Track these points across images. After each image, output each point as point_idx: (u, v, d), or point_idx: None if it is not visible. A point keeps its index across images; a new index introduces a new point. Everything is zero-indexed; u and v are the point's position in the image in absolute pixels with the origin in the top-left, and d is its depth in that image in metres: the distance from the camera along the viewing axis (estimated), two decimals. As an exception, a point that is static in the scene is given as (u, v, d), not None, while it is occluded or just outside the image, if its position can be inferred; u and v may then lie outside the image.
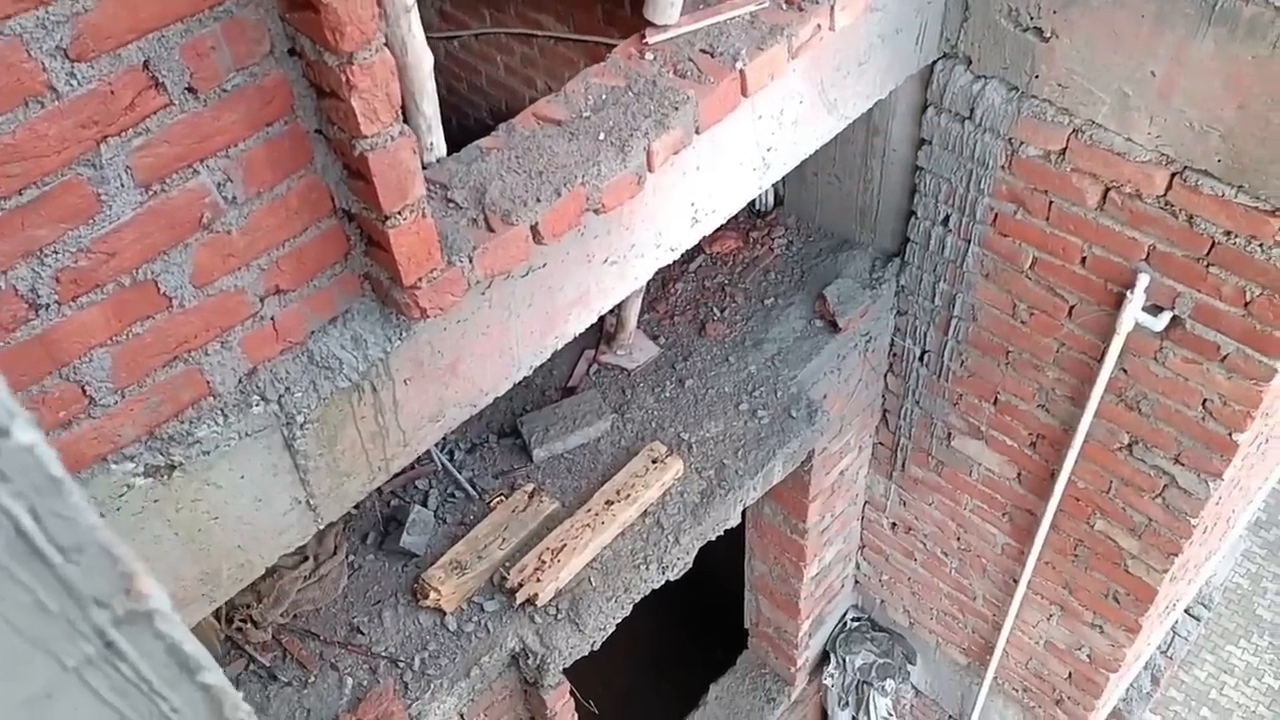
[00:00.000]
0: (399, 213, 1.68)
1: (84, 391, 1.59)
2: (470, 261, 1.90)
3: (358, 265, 1.84)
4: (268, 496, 1.93)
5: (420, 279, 1.81)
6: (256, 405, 1.80)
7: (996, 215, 3.12)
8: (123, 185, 1.48)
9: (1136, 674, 4.78)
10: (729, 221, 3.91)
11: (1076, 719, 4.26)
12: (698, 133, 2.19)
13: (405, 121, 1.64)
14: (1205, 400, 2.96)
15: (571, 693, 3.27)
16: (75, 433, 1.60)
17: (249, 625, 2.81)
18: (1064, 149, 2.82)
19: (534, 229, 1.97)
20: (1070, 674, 4.12)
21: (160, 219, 1.55)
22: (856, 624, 5.03)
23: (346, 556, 3.09)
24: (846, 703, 5.05)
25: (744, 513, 4.19)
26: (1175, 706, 12.50)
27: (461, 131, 2.37)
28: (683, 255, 3.90)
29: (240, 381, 1.78)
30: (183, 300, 1.63)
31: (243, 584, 2.02)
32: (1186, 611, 4.99)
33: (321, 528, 2.11)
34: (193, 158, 1.53)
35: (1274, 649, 12.69)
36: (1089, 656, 3.97)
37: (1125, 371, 3.11)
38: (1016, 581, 3.99)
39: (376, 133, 1.57)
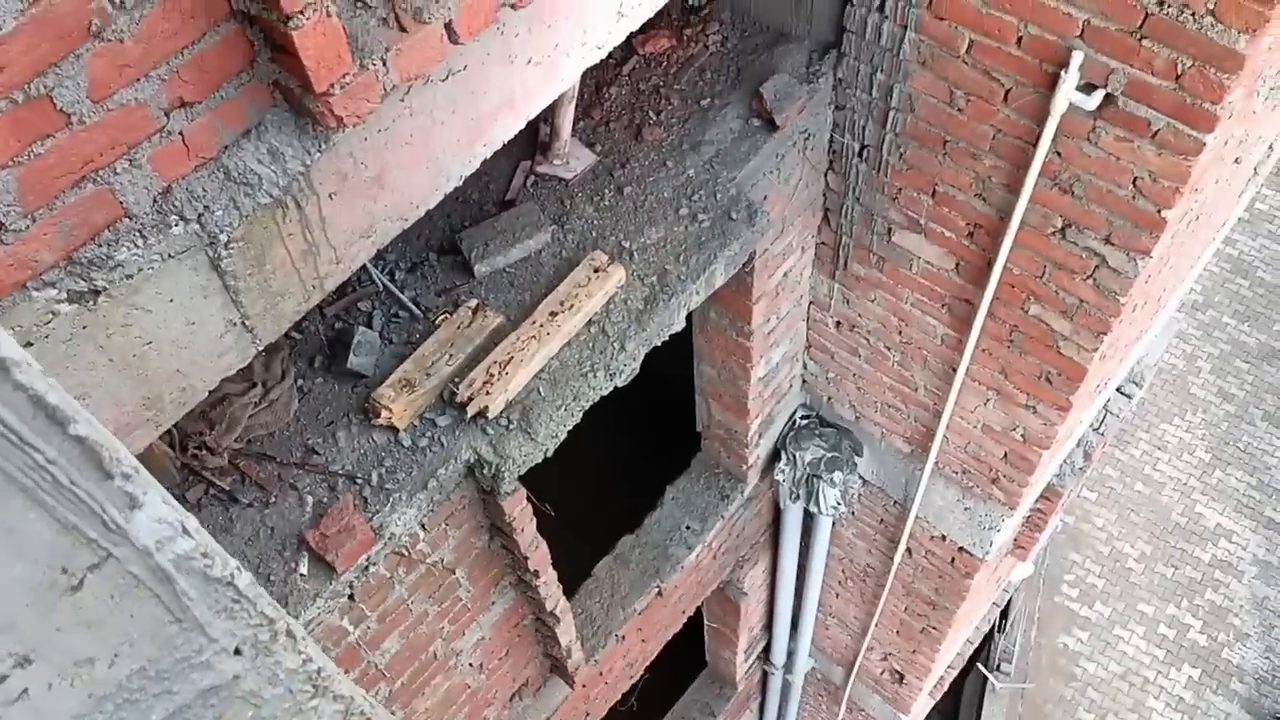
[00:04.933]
0: (300, 12, 1.60)
1: (-9, 217, 1.54)
2: (384, 64, 1.83)
3: (265, 73, 1.76)
4: (201, 319, 1.92)
5: (333, 85, 1.75)
6: (176, 225, 1.76)
7: (932, -2, 3.05)
8: (-2, -7, 1.39)
9: (1070, 451, 5.02)
10: (661, 19, 3.80)
11: (1011, 494, 4.50)
12: (615, -84, 2.08)
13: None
14: (1136, 179, 3.00)
15: (529, 499, 3.38)
16: (-12, 261, 1.56)
17: (204, 452, 2.85)
18: (999, -78, 2.73)
19: (448, 27, 1.89)
20: (1006, 454, 4.32)
21: (47, 28, 1.47)
22: (805, 421, 5.20)
23: (295, 381, 3.10)
24: (798, 496, 5.28)
25: (690, 318, 4.24)
26: (1111, 483, 13.24)
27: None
28: (615, 58, 3.81)
29: (156, 201, 1.73)
30: (82, 116, 1.56)
31: (186, 408, 2.03)
32: (1119, 390, 5.20)
33: (260, 349, 2.11)
34: (70, -42, 1.43)
35: (1206, 424, 13.37)
36: (1023, 436, 4.16)
37: (1059, 155, 3.12)
38: (955, 370, 4.12)
39: (265, -78, 1.47)
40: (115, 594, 0.44)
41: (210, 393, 2.79)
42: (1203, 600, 12.51)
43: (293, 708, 0.64)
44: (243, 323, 1.98)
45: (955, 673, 8.71)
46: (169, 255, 1.77)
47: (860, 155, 3.73)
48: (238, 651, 0.55)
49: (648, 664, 5.71)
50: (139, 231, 1.73)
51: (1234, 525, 12.80)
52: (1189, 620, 12.40)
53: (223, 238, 1.81)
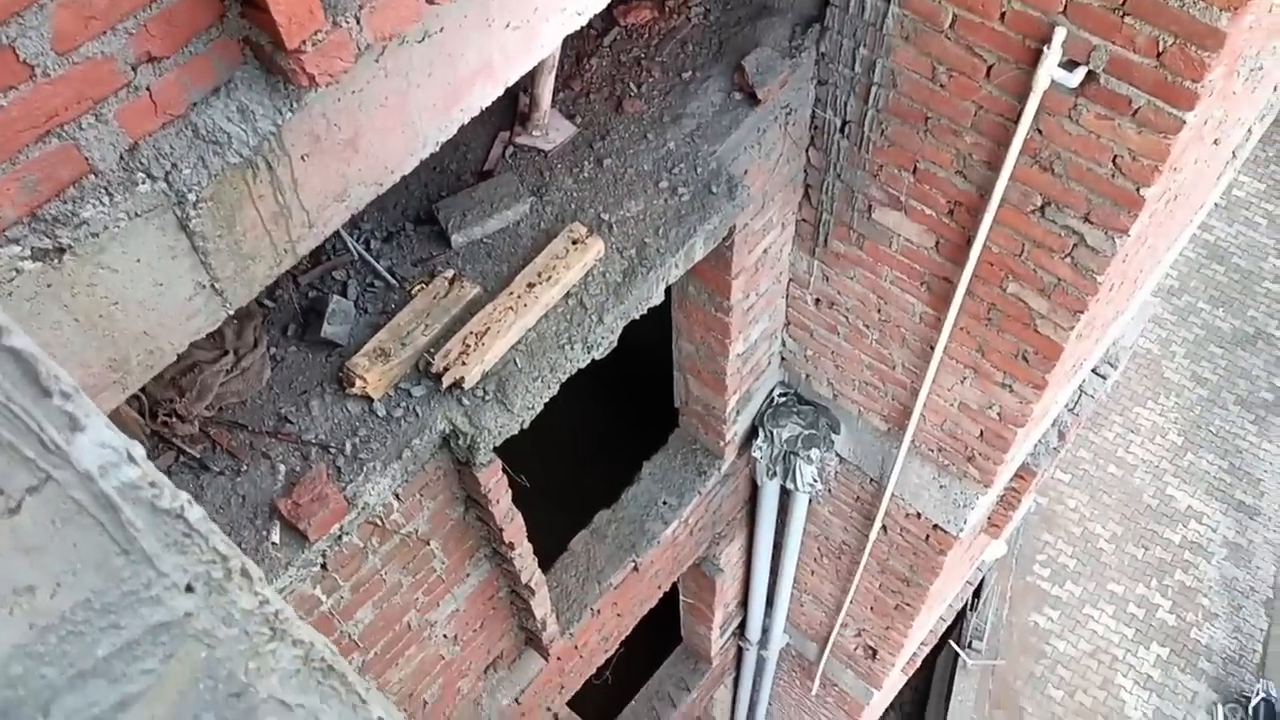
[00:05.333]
0: (272, -35, 1.57)
1: (-49, 171, 1.50)
2: (358, 22, 1.79)
3: (235, 29, 1.73)
4: (169, 280, 1.89)
5: (304, 42, 1.71)
6: (143, 183, 1.73)
7: (915, -29, 3.03)
8: (-42, -63, 1.35)
9: (1045, 430, 5.05)
10: (642, -11, 3.75)
11: (986, 473, 4.52)
12: (596, -124, 2.05)
13: None
14: (1115, 157, 3.00)
15: (505, 470, 3.36)
16: (-52, 215, 1.53)
17: (174, 419, 2.82)
18: (983, -106, 2.72)
19: (424, -14, 1.86)
20: (981, 432, 4.34)
21: (7, -23, 1.43)
22: (783, 399, 5.20)
23: (268, 349, 3.07)
24: (774, 473, 5.29)
25: (669, 293, 4.23)
26: (1084, 465, 13.36)
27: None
28: (596, 28, 3.77)
29: (122, 158, 1.70)
30: (46, 68, 1.52)
31: (154, 371, 2.00)
32: (1094, 371, 5.23)
33: (231, 313, 2.08)
34: (32, -97, 1.39)
35: (1179, 408, 13.51)
36: (999, 414, 4.18)
37: (1040, 132, 3.12)
38: (933, 348, 4.13)
39: None
40: (56, 519, 0.43)
41: (180, 358, 2.76)
42: (1172, 581, 12.67)
43: (249, 650, 0.62)
44: (212, 285, 1.95)
45: (928, 649, 8.80)
46: (136, 214, 1.74)
47: (842, 131, 3.72)
48: (189, 588, 0.53)
49: (623, 638, 5.72)
50: (105, 189, 1.69)
51: (1205, 507, 12.96)
52: (1158, 600, 12.57)
53: (191, 197, 1.78)
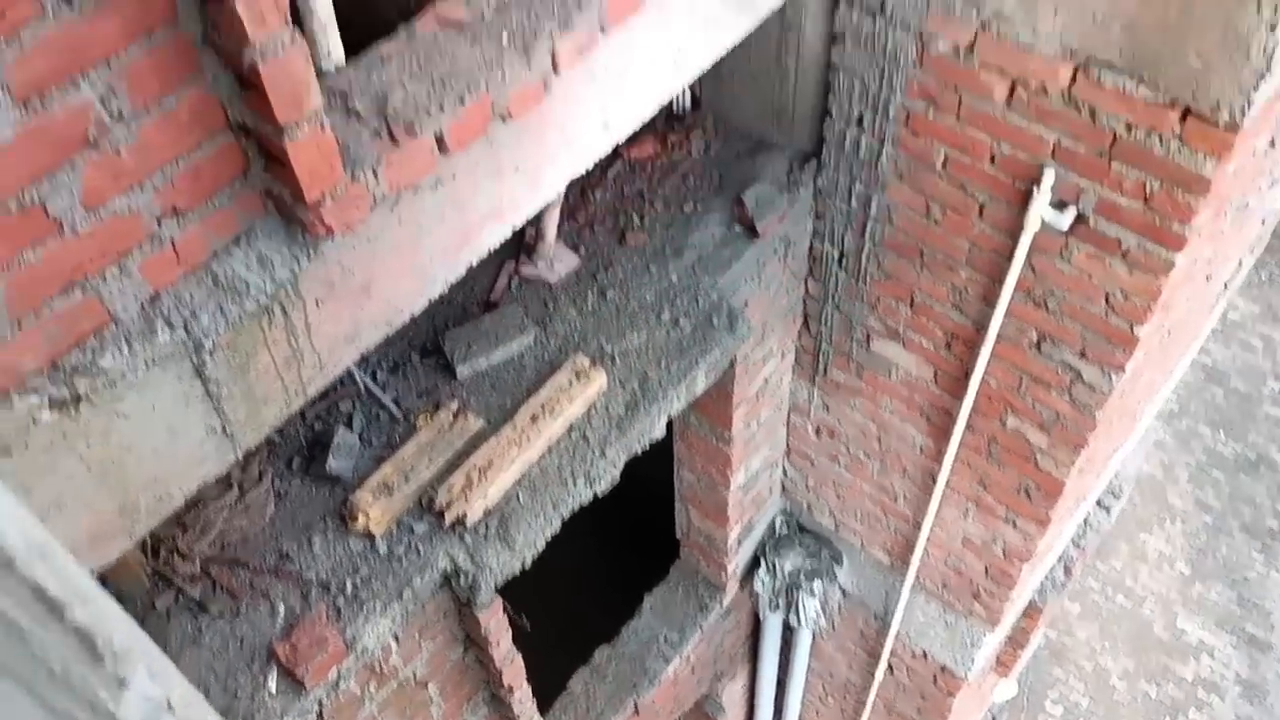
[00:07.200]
0: (295, 125, 1.62)
1: (-24, 323, 1.53)
2: (375, 175, 1.85)
3: (258, 182, 1.78)
4: (182, 426, 1.89)
5: (323, 195, 1.77)
6: (162, 332, 1.75)
7: (909, 114, 3.14)
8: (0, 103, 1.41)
9: (1050, 566, 4.99)
10: (646, 126, 3.88)
11: (993, 610, 4.45)
12: (604, 32, 2.15)
13: (297, 25, 1.58)
14: (1108, 295, 3.05)
15: (505, 610, 3.31)
16: (-31, 365, 1.54)
17: (176, 557, 2.78)
18: (972, 43, 2.84)
19: (439, 139, 1.93)
20: (986, 568, 4.29)
21: (43, 138, 1.48)
22: (785, 529, 5.16)
23: (272, 483, 3.06)
24: (777, 606, 5.21)
25: (670, 424, 4.24)
26: (1093, 595, 13.14)
27: (361, 31, 2.29)
28: (600, 162, 3.88)
29: (143, 308, 1.73)
30: (74, 224, 1.57)
31: (163, 516, 1.99)
32: (1098, 503, 5.20)
33: (240, 456, 2.08)
34: (72, 70, 1.45)
35: (1185, 535, 13.36)
36: (1003, 550, 4.14)
37: (1033, 269, 3.19)
38: (935, 480, 4.12)
39: (265, 39, 1.50)
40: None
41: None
42: None
43: None
44: (223, 429, 1.96)
45: (938, 790, 8.47)
46: (153, 362, 1.76)
47: (839, 263, 3.79)
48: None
49: (623, 781, 5.52)
50: (125, 338, 1.71)
51: (1216, 641, 12.68)
52: (1175, 738, 12.16)
53: (208, 344, 1.80)
